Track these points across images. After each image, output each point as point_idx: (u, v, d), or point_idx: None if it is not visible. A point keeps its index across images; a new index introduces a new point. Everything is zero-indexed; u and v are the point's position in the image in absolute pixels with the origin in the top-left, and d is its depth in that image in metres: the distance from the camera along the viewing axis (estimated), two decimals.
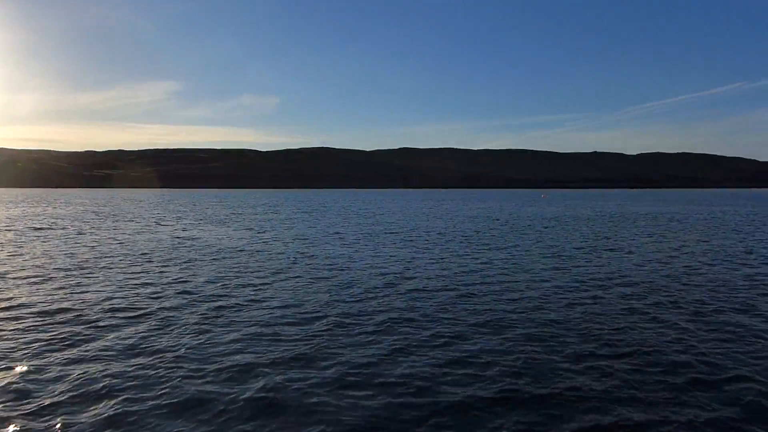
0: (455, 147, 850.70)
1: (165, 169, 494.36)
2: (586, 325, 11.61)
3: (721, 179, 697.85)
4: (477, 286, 16.32)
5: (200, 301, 13.99)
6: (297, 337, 10.64)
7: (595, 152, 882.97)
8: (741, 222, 47.24)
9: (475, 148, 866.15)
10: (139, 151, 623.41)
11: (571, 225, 44.42)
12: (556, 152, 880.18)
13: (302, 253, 24.74)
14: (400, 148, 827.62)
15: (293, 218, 53.73)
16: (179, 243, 29.11)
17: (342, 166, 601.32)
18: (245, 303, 13.82)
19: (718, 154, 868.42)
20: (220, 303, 13.76)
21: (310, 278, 17.86)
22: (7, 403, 7.33)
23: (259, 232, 36.47)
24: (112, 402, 7.38)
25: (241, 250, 25.61)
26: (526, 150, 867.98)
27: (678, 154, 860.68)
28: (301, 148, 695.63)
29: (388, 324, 11.62)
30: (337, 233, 35.72)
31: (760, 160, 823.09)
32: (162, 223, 44.56)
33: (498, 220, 50.13)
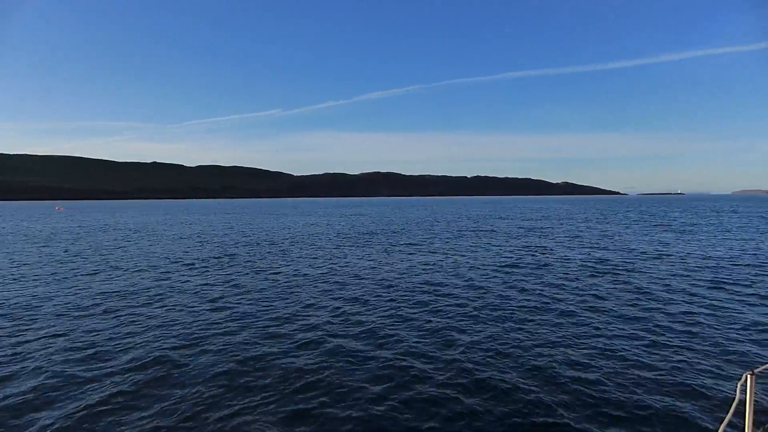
0: None
1: None
2: None
3: (267, 190, 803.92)
4: None
5: None
6: None
7: (156, 162, 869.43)
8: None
9: (10, 153, 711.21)
10: None
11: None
12: (113, 161, 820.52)
13: None
14: None
15: None
16: None
17: None
18: None
19: (265, 168, 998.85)
20: None
21: None
22: None
23: None
24: None
25: None
26: (76, 157, 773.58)
27: (232, 167, 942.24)
28: None
29: None
30: None
31: (295, 174, 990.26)
32: None
33: None
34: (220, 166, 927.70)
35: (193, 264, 24.03)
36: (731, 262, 22.63)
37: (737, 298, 15.43)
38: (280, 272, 21.37)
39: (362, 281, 19.01)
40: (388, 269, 22.00)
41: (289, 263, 24.19)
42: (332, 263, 24.10)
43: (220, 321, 13.03)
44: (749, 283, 17.72)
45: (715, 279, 18.57)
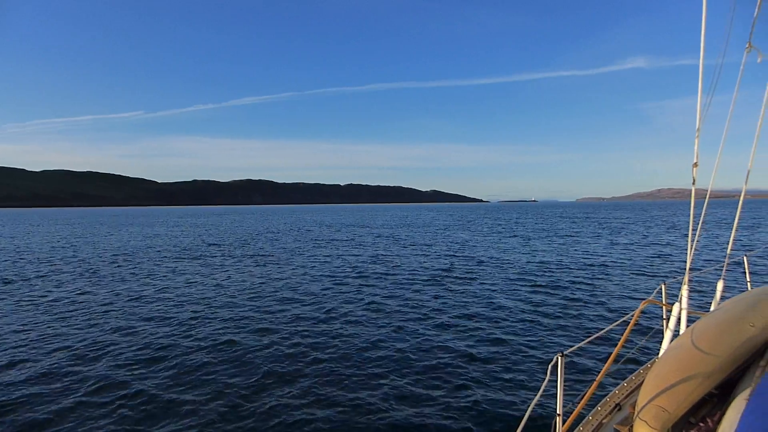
0: None
1: None
2: None
3: (127, 198, 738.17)
4: None
5: None
6: None
7: None
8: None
9: None
10: None
11: None
12: None
13: None
14: None
15: None
16: None
17: None
18: None
19: (124, 174, 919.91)
20: None
21: None
22: None
23: None
24: None
25: None
26: None
27: (85, 173, 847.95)
28: None
29: None
30: None
31: (159, 181, 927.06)
32: None
33: None
34: (70, 171, 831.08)
35: None
36: (557, 266, 23.30)
37: (553, 293, 15.59)
38: (53, 297, 17.20)
39: (172, 301, 15.77)
40: (211, 285, 18.98)
41: (86, 283, 19.97)
42: (144, 281, 20.29)
43: None
44: (566, 284, 18.04)
45: (539, 282, 18.75)
